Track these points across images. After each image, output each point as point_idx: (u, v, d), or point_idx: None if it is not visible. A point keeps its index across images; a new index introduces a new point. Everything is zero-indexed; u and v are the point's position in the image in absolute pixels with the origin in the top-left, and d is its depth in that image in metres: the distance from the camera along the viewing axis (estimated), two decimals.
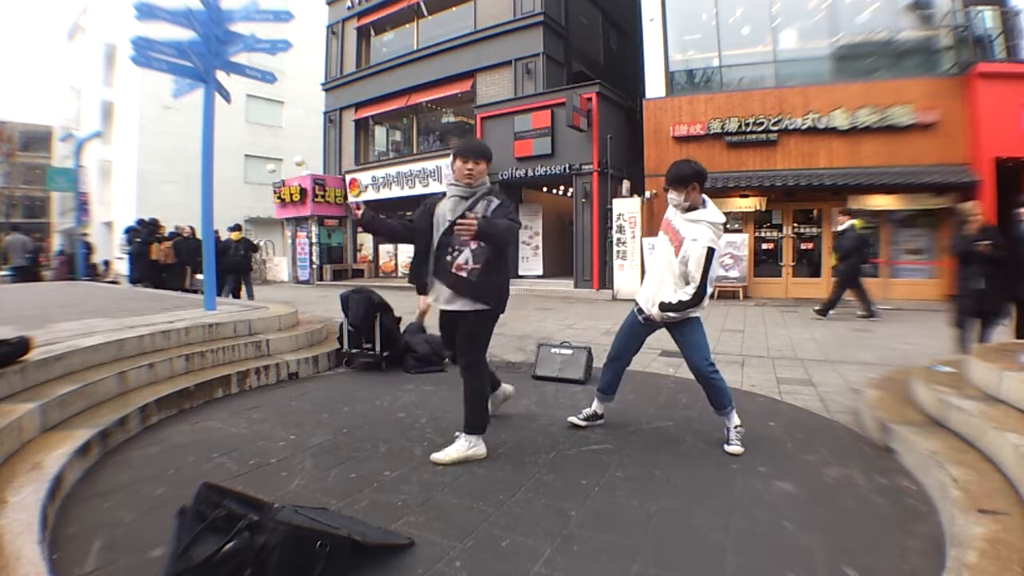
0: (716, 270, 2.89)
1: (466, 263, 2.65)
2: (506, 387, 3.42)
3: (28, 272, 12.74)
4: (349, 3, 18.58)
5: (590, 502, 2.30)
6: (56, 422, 2.78)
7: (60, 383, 3.06)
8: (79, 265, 13.48)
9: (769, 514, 2.20)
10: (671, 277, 2.88)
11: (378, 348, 4.80)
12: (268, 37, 5.76)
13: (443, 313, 2.84)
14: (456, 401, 2.92)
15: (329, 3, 19.42)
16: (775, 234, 11.85)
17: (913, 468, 2.61)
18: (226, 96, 5.78)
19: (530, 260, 14.66)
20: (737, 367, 5.00)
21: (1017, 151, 9.62)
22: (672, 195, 2.92)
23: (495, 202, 2.73)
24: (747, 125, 11.41)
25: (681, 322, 2.92)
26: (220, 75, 5.60)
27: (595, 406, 3.28)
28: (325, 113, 19.57)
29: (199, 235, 10.94)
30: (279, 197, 18.41)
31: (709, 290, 2.80)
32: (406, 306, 5.48)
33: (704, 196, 2.93)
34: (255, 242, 12.40)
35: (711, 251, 2.74)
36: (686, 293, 2.79)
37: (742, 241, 11.30)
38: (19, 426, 2.48)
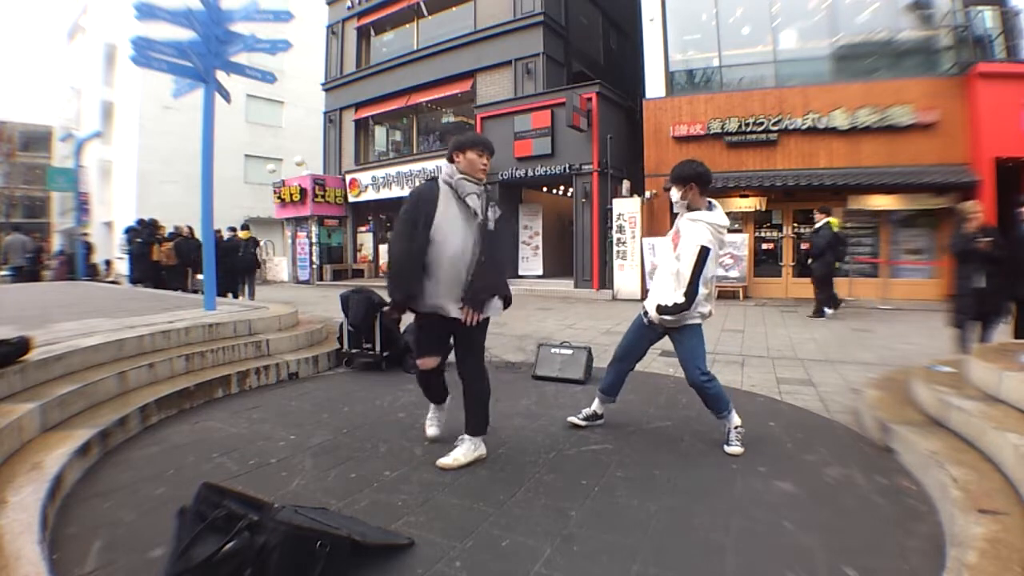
0: (713, 271, 2.87)
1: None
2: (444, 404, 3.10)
3: (29, 272, 12.76)
4: (349, 3, 18.58)
5: (590, 502, 2.30)
6: (56, 422, 2.78)
7: (60, 383, 3.06)
8: (79, 265, 13.48)
9: (769, 514, 2.20)
10: (672, 280, 2.88)
11: (378, 348, 4.80)
12: (268, 37, 5.76)
13: (437, 318, 2.60)
14: (456, 402, 2.91)
15: (329, 3, 19.42)
16: (775, 234, 11.86)
17: (913, 468, 2.61)
18: (226, 96, 5.78)
19: (530, 260, 14.66)
20: (737, 367, 5.00)
21: (1017, 151, 9.62)
22: (672, 192, 2.95)
23: (497, 210, 2.70)
24: (747, 125, 11.40)
25: (680, 328, 2.90)
26: (220, 75, 5.60)
27: (595, 406, 3.27)
28: (325, 113, 19.58)
29: (197, 235, 10.99)
30: (279, 197, 18.41)
31: (703, 291, 2.78)
32: None
33: (712, 200, 2.94)
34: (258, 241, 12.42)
35: (705, 250, 2.73)
36: (679, 296, 2.78)
37: (742, 241, 11.30)
38: (19, 426, 2.48)
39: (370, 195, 17.50)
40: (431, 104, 16.83)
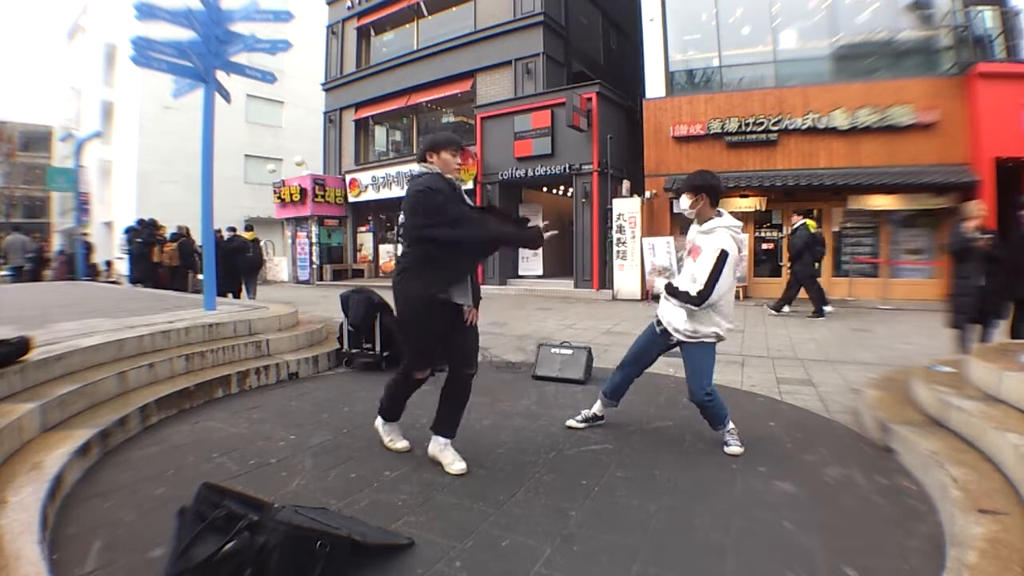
0: (732, 281, 2.78)
1: None
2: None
3: (31, 272, 12.75)
4: (349, 3, 18.58)
5: (590, 502, 2.30)
6: (56, 422, 2.78)
7: (60, 383, 3.06)
8: (79, 265, 13.48)
9: (769, 514, 2.20)
10: (691, 286, 2.82)
11: (378, 348, 4.80)
12: (268, 37, 5.76)
13: (447, 318, 2.50)
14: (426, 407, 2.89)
15: (329, 3, 19.42)
16: (775, 234, 11.86)
17: (913, 468, 2.61)
18: (226, 96, 5.78)
19: (530, 260, 14.66)
20: (737, 367, 5.00)
21: (1017, 151, 9.62)
22: (682, 200, 2.92)
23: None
24: (747, 125, 11.41)
25: (694, 344, 2.85)
26: (220, 75, 5.60)
27: (596, 408, 3.27)
28: (325, 113, 19.58)
29: (193, 235, 11.00)
30: (279, 197, 18.40)
31: (714, 298, 2.71)
32: None
33: (721, 210, 2.93)
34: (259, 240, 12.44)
35: (724, 253, 2.70)
36: (693, 289, 2.73)
37: (742, 241, 11.29)
38: (19, 426, 2.48)
39: (370, 195, 17.49)
40: (431, 104, 16.84)
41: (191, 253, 10.91)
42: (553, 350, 4.57)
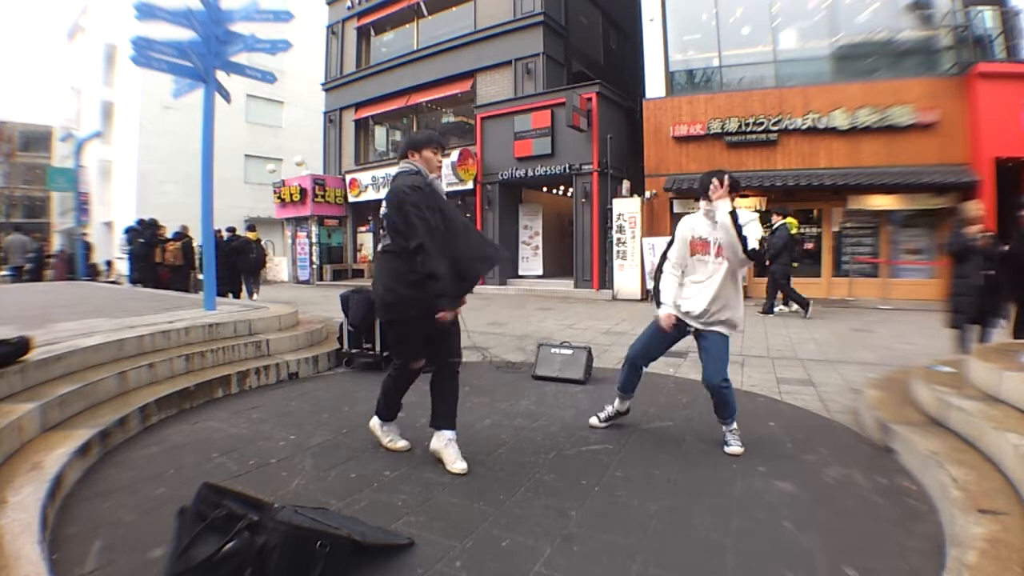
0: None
1: None
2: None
3: (32, 272, 12.75)
4: (349, 3, 18.57)
5: (590, 502, 2.30)
6: (56, 422, 2.78)
7: (60, 383, 3.06)
8: (79, 265, 13.48)
9: (769, 514, 2.20)
10: (730, 283, 2.96)
11: (378, 348, 4.80)
12: (268, 37, 5.76)
13: (429, 315, 2.47)
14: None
15: (329, 3, 19.41)
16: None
17: (913, 468, 2.61)
18: (226, 96, 5.78)
19: (530, 260, 14.66)
20: (737, 367, 5.00)
21: (1017, 151, 9.61)
22: (726, 202, 2.93)
23: None
24: (747, 125, 11.40)
25: (715, 333, 2.91)
26: (220, 75, 5.60)
27: (617, 404, 3.27)
28: (325, 113, 19.57)
29: (191, 235, 11.00)
30: (279, 197, 18.40)
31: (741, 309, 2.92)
32: None
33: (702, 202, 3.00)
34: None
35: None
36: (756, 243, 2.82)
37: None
38: (19, 426, 2.48)
39: (370, 195, 17.49)
40: (431, 104, 16.83)
41: (194, 252, 10.92)
42: (553, 350, 4.57)
